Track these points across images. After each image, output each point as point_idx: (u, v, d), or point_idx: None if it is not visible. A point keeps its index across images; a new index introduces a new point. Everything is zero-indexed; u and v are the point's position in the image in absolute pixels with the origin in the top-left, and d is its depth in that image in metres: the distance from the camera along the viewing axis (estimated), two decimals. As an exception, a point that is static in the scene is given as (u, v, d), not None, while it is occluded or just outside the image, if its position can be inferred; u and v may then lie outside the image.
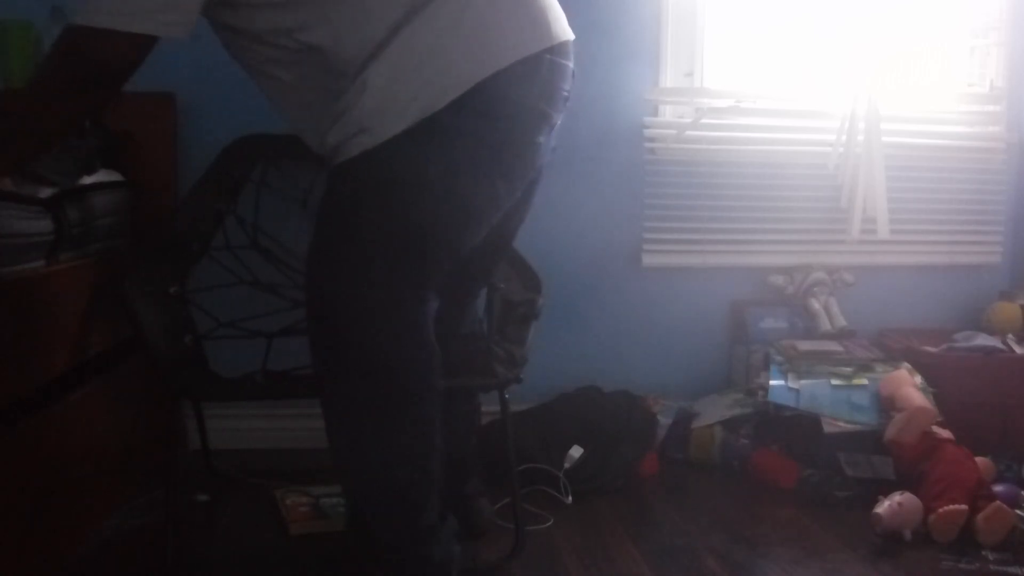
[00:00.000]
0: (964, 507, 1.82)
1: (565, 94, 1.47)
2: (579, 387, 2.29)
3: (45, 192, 1.50)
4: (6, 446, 1.29)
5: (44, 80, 1.34)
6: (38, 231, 1.45)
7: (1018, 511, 1.87)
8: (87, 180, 1.68)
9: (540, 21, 1.39)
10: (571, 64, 1.46)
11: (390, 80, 1.31)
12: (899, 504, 1.84)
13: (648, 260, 2.45)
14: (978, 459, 2.00)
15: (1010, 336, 2.41)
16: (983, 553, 1.77)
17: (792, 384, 2.21)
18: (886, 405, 2.13)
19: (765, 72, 2.52)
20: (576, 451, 2.08)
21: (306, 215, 1.99)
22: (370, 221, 1.33)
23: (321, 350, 1.37)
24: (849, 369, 2.25)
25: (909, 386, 2.13)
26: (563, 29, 1.44)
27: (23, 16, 2.02)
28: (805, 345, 2.35)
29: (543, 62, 1.38)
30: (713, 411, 2.32)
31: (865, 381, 2.20)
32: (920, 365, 2.26)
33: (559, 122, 1.49)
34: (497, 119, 1.36)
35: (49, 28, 2.04)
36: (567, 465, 2.07)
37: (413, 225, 1.34)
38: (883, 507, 1.84)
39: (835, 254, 2.52)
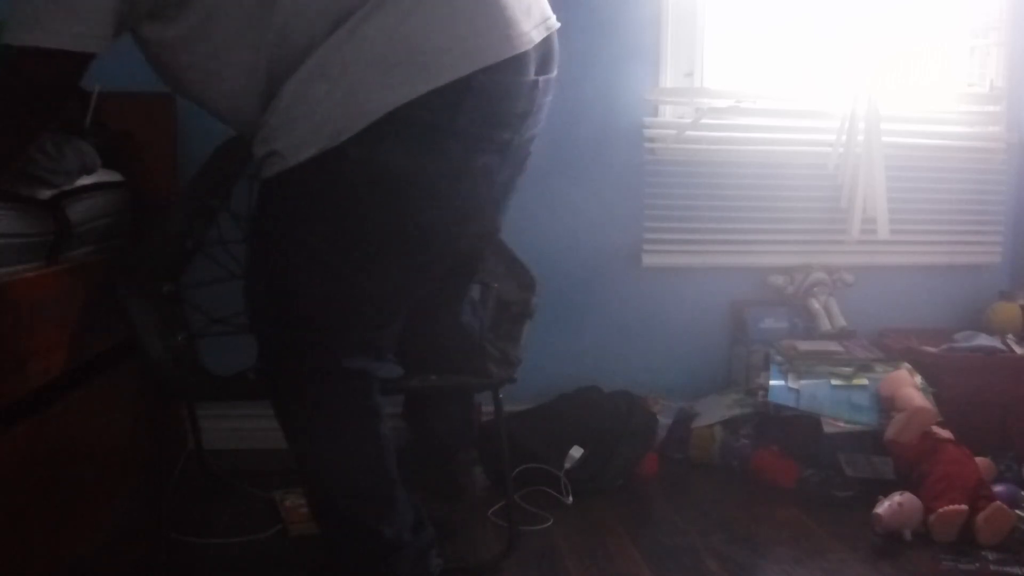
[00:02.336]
0: (964, 507, 1.82)
1: (520, 112, 1.34)
2: (579, 387, 2.29)
3: (45, 193, 1.50)
4: (6, 446, 1.29)
5: None
6: (38, 231, 1.45)
7: (1018, 511, 1.87)
8: (87, 180, 1.68)
9: (472, 38, 1.25)
10: (528, 78, 1.32)
11: (298, 99, 1.25)
12: (899, 504, 1.84)
13: (648, 260, 2.44)
14: (978, 459, 2.00)
15: (1010, 336, 2.41)
16: (983, 553, 1.77)
17: (792, 384, 2.21)
18: (886, 405, 2.12)
19: (765, 72, 2.52)
20: (576, 451, 2.08)
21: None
22: (280, 251, 1.33)
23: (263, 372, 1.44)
24: (849, 369, 2.24)
25: (909, 386, 2.13)
26: (511, 43, 1.28)
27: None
28: (805, 345, 2.35)
29: (471, 87, 1.24)
30: (713, 411, 2.32)
31: (865, 381, 2.20)
32: (920, 365, 2.25)
33: (523, 137, 1.39)
34: (415, 149, 1.25)
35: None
36: (567, 465, 2.07)
37: (319, 263, 1.31)
38: (883, 507, 1.84)
39: (835, 254, 2.52)
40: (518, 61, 1.29)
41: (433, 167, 1.28)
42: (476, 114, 1.27)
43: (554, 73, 1.42)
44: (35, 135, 1.40)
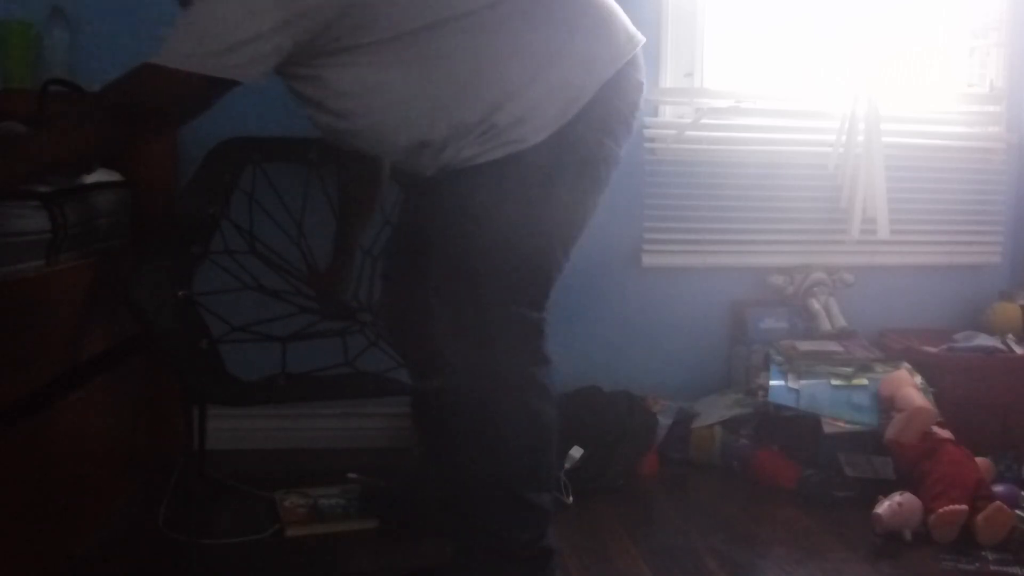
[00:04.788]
0: (964, 507, 1.82)
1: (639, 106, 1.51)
2: (579, 387, 2.29)
3: (42, 188, 1.50)
4: (6, 446, 1.29)
5: (100, 100, 1.34)
6: (36, 229, 1.45)
7: (1018, 511, 1.87)
8: (86, 180, 1.68)
9: (623, 30, 1.46)
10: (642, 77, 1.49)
11: (524, 86, 1.33)
12: (899, 504, 1.84)
13: (648, 260, 2.45)
14: (978, 459, 2.00)
15: (1010, 336, 2.41)
16: (983, 553, 1.77)
17: (792, 384, 2.20)
18: (886, 405, 2.12)
19: (765, 72, 2.52)
20: (576, 451, 2.08)
21: (301, 235, 2.10)
22: (495, 235, 1.35)
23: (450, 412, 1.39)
24: (849, 369, 2.24)
25: (909, 386, 2.13)
26: (633, 42, 1.47)
27: (23, 16, 2.03)
28: (805, 345, 2.35)
29: (630, 77, 1.44)
30: (713, 411, 2.32)
31: (865, 381, 2.20)
32: (920, 365, 2.25)
33: None
34: (608, 132, 1.41)
35: (49, 28, 2.05)
36: (567, 465, 2.06)
37: (536, 244, 1.39)
38: (883, 507, 1.84)
39: (835, 254, 2.52)
40: (639, 57, 1.49)
41: (614, 151, 1.45)
42: (629, 102, 1.46)
43: None
44: (121, 147, 1.46)
